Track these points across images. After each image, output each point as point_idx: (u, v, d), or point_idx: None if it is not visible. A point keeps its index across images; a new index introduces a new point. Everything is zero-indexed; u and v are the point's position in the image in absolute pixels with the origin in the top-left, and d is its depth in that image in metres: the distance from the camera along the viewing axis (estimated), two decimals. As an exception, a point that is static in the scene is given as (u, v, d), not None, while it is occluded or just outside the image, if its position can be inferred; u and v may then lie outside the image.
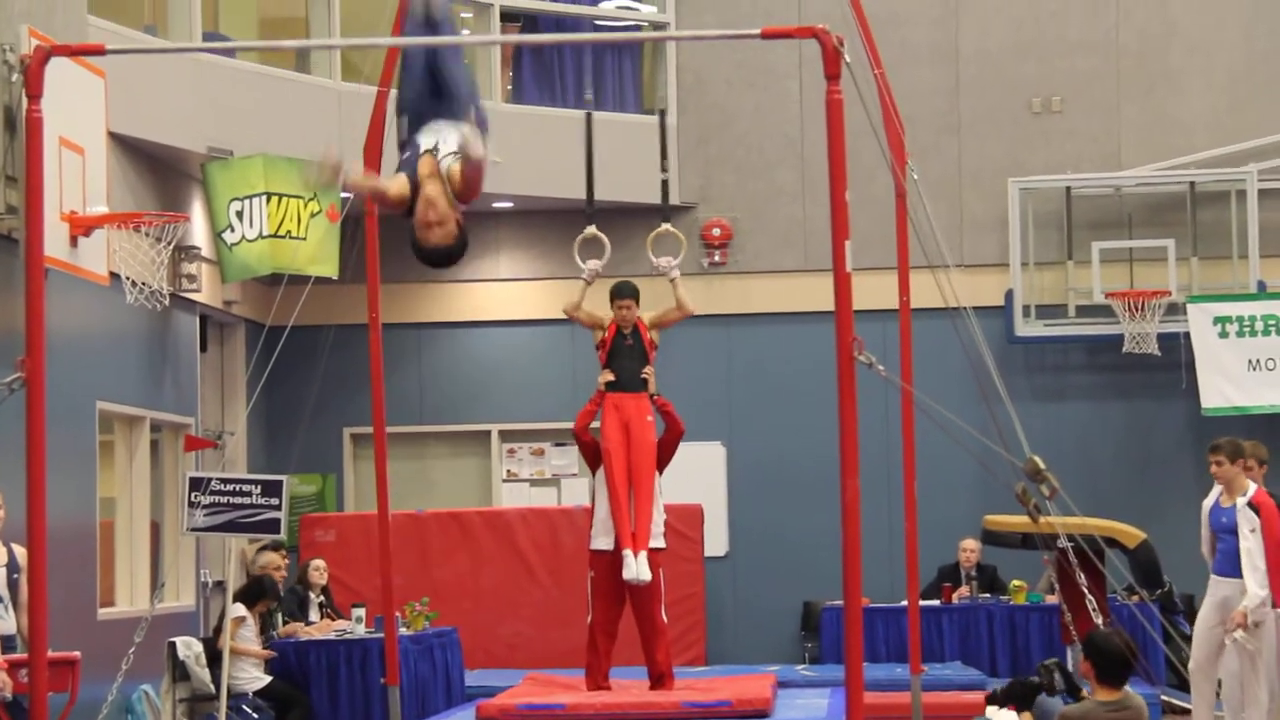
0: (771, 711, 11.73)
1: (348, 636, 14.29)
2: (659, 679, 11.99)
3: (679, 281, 12.21)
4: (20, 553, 10.58)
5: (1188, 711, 14.61)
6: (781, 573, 18.01)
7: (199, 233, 15.50)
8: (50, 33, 12.00)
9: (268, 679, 13.91)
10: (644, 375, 11.95)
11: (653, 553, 11.77)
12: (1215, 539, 12.36)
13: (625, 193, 16.62)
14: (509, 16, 17.98)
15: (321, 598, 15.33)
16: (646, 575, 11.60)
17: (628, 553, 11.62)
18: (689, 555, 16.97)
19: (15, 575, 10.48)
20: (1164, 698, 14.65)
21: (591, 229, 12.39)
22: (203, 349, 16.38)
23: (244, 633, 13.86)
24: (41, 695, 7.77)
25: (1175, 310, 17.67)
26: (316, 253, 15.07)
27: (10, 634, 10.42)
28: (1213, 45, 18.48)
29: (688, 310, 12.16)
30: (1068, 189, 18.16)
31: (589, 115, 13.18)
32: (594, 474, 12.09)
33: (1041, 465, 8.87)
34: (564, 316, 12.44)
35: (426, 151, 8.16)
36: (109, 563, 14.44)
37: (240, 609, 13.87)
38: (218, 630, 13.98)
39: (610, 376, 11.93)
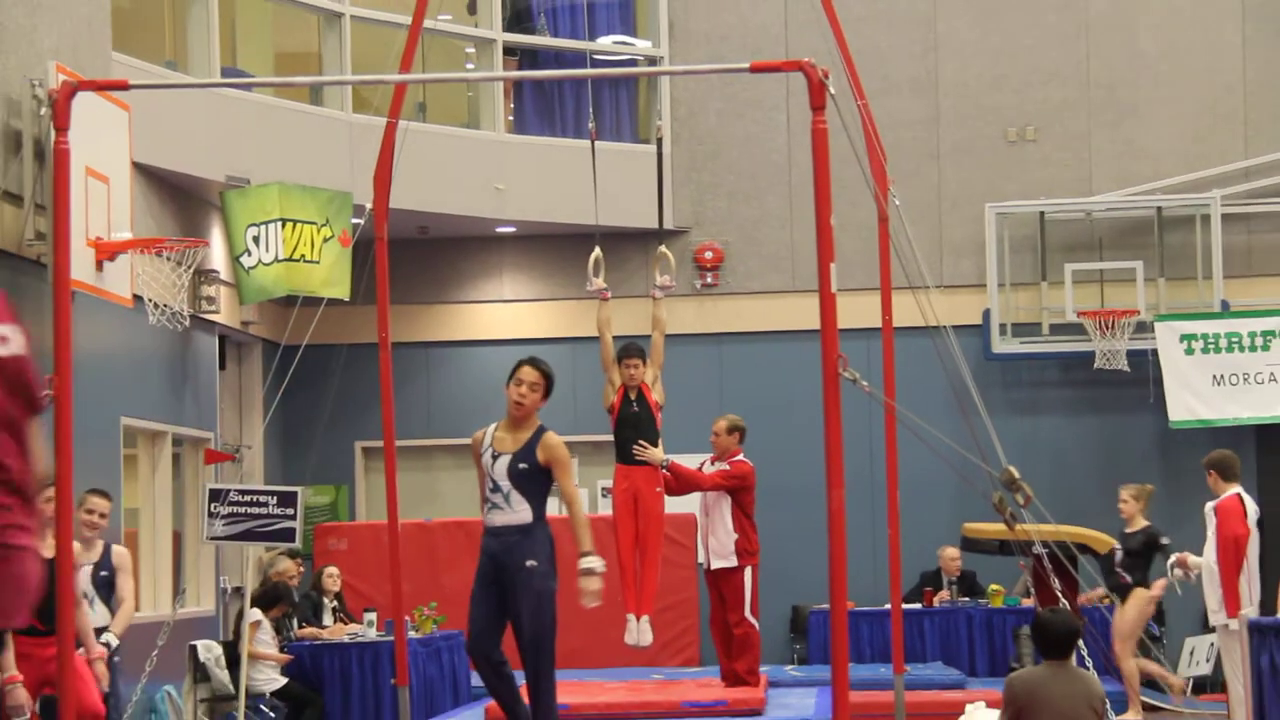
0: (763, 710, 11.75)
1: (360, 640, 14.29)
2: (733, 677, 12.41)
3: (661, 303, 12.32)
4: (118, 552, 10.88)
5: (1157, 708, 14.64)
6: (771, 578, 17.92)
7: (218, 257, 15.51)
8: (77, 68, 12.03)
9: (284, 680, 13.91)
10: (642, 455, 12.02)
11: (726, 572, 12.41)
12: None
13: (621, 218, 16.64)
14: (511, 51, 18.03)
15: (335, 603, 15.33)
16: (647, 640, 11.80)
17: (630, 617, 11.80)
18: (683, 562, 16.95)
19: (104, 573, 10.59)
20: (1134, 696, 14.65)
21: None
22: (221, 367, 16.38)
23: (261, 636, 13.87)
24: (70, 697, 7.77)
25: (1144, 328, 17.70)
26: (329, 275, 15.08)
27: (99, 626, 10.48)
28: (1179, 78, 18.52)
29: (663, 325, 12.34)
30: (1041, 214, 18.19)
31: (593, 144, 13.20)
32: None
33: (1017, 475, 8.88)
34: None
35: None
36: (134, 570, 14.42)
37: (257, 614, 13.87)
38: (236, 633, 13.99)
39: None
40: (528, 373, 9.18)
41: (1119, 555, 13.69)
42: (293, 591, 14.49)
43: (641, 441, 11.93)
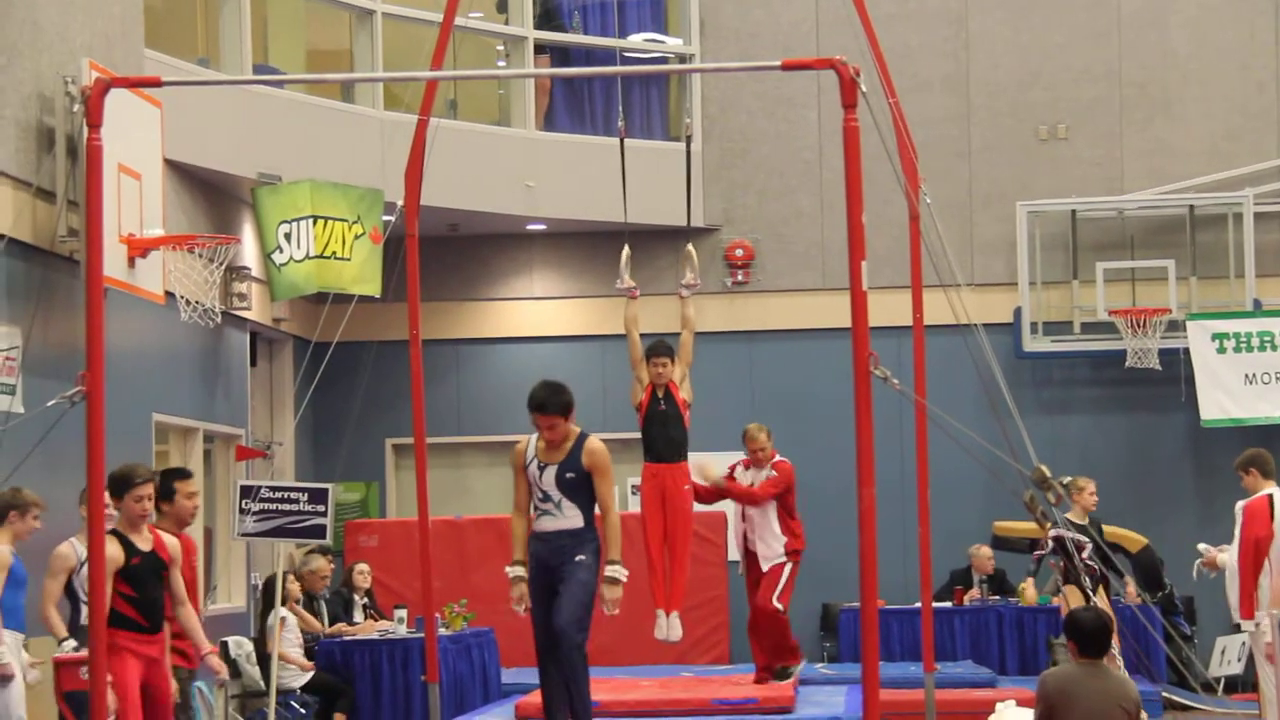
0: (793, 708, 11.74)
1: (390, 636, 14.31)
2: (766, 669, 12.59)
3: (689, 301, 12.31)
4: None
5: (1188, 708, 14.59)
6: (801, 576, 17.84)
7: (249, 254, 15.54)
8: (110, 65, 12.06)
9: (312, 674, 13.93)
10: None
11: (775, 568, 12.55)
12: None
13: (651, 216, 16.59)
14: (541, 48, 18.01)
15: (365, 599, 15.35)
16: (677, 635, 11.85)
17: (660, 613, 11.86)
18: (713, 560, 16.94)
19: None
20: (1164, 694, 14.60)
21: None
22: (253, 364, 16.41)
23: (285, 635, 13.84)
24: (101, 692, 7.78)
25: (1175, 327, 17.64)
26: (360, 273, 15.10)
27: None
28: (1210, 76, 18.45)
29: (691, 324, 12.29)
30: (1073, 212, 18.14)
31: (623, 141, 13.16)
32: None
33: (1048, 474, 8.85)
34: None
35: None
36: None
37: (284, 612, 13.87)
38: (263, 630, 14.00)
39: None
40: (542, 420, 9.47)
41: (1089, 548, 13.57)
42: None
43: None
